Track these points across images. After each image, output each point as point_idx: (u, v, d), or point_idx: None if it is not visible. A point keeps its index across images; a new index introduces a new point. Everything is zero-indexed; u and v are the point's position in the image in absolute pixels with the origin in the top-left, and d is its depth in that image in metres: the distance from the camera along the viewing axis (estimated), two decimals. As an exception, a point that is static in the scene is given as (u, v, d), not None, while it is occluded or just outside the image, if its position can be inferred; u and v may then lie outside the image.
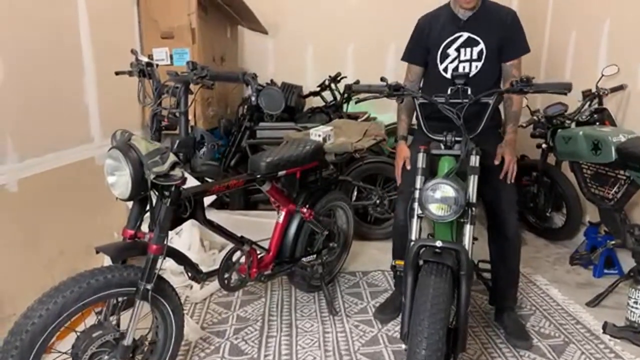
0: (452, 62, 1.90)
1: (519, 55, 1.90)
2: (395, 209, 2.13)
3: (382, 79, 1.66)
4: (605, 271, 2.54)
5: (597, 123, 2.60)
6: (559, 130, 2.66)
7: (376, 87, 1.67)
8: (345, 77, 3.97)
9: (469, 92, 1.58)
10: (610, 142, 2.18)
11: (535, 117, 2.89)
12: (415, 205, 1.56)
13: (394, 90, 1.63)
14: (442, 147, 1.61)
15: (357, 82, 3.89)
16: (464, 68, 1.88)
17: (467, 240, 1.47)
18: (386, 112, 3.77)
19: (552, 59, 3.57)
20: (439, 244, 1.40)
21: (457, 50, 1.89)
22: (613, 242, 2.32)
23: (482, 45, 1.86)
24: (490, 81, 1.90)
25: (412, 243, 1.49)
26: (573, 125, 2.72)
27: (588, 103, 2.71)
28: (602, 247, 2.45)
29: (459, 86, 1.57)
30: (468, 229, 1.48)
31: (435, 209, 1.44)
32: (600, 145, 2.24)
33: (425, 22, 1.99)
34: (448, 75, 1.89)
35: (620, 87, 2.67)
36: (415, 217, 1.57)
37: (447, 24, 1.92)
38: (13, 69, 1.84)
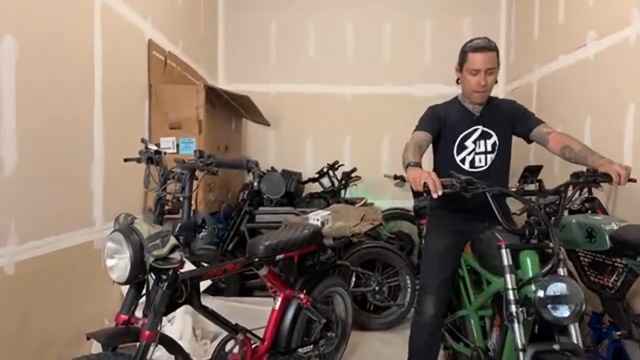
0: (469, 154, 2.00)
1: (539, 122, 2.01)
2: (419, 303, 1.97)
3: (452, 174, 1.55)
4: (616, 365, 2.41)
5: (589, 211, 2.66)
6: (553, 219, 2.71)
7: (446, 182, 1.52)
8: (343, 164, 4.14)
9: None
10: (604, 230, 2.22)
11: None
12: (514, 308, 1.43)
13: (467, 185, 1.53)
14: (518, 240, 1.53)
15: (354, 169, 4.05)
16: (480, 160, 2.00)
17: (578, 339, 1.40)
18: (382, 197, 3.88)
19: (540, 151, 3.76)
20: (556, 347, 1.33)
21: (474, 142, 2.00)
22: (619, 332, 2.24)
23: (495, 138, 1.99)
24: (503, 172, 2.03)
25: (525, 351, 1.37)
26: (566, 213, 2.78)
27: (578, 192, 2.80)
28: (609, 338, 2.37)
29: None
30: (575, 326, 1.41)
31: (556, 311, 1.34)
32: (594, 233, 2.27)
33: (440, 109, 2.07)
34: (466, 167, 1.99)
35: (608, 175, 2.77)
36: (516, 322, 1.42)
37: (462, 117, 2.03)
38: (27, 156, 1.93)
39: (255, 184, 1.54)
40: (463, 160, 2.01)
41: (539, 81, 3.95)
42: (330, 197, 3.89)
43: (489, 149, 2.00)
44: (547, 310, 1.34)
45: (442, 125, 2.02)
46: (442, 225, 2.01)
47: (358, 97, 4.76)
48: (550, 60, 3.69)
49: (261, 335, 1.96)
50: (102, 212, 2.50)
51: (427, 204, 2.57)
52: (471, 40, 1.97)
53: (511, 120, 2.03)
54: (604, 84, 2.99)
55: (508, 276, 1.46)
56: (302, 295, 2.03)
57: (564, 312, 1.34)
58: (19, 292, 1.89)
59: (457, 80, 2.05)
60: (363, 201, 3.82)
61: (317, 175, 4.14)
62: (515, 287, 1.43)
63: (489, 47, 1.93)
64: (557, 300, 1.34)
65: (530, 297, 1.41)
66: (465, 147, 2.00)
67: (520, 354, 1.35)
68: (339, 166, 4.09)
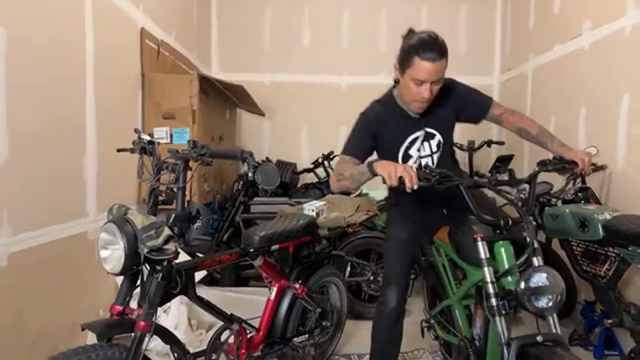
0: (415, 161, 1.83)
1: (488, 107, 1.86)
2: (382, 295, 1.89)
3: (426, 167, 1.58)
4: (606, 352, 2.45)
5: (583, 201, 2.68)
6: (547, 208, 2.73)
7: (421, 174, 1.46)
8: (338, 155, 4.12)
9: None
10: (597, 219, 2.24)
11: (522, 195, 2.98)
12: (494, 301, 1.40)
13: (442, 178, 1.47)
14: (492, 232, 1.49)
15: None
16: (426, 163, 1.83)
17: (557, 328, 1.39)
18: (377, 188, 3.87)
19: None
20: (539, 338, 1.31)
21: (418, 149, 1.83)
22: (610, 321, 2.28)
23: (439, 137, 1.83)
24: (450, 163, 1.90)
25: (508, 344, 1.35)
26: (559, 203, 2.80)
27: (572, 182, 2.82)
28: (600, 326, 2.40)
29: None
30: (554, 316, 1.41)
31: (538, 302, 1.34)
32: (587, 223, 2.29)
33: (372, 122, 1.80)
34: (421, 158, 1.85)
35: (601, 168, 2.79)
36: (497, 315, 1.40)
37: (402, 123, 1.80)
38: (18, 147, 1.91)
39: (250, 174, 1.53)
40: None
41: (534, 71, 3.95)
42: (325, 187, 3.89)
43: (434, 149, 1.84)
44: (530, 302, 1.34)
45: (376, 143, 1.79)
46: (401, 216, 1.93)
47: (354, 87, 4.73)
48: (546, 50, 3.68)
49: (256, 325, 1.97)
50: (96, 203, 2.49)
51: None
52: (419, 39, 1.62)
53: (454, 112, 1.84)
54: (599, 74, 2.99)
55: (486, 269, 1.44)
56: (297, 285, 2.04)
57: (545, 302, 1.34)
58: (12, 284, 1.88)
59: (396, 80, 1.79)
60: (358, 192, 3.82)
61: (312, 166, 4.13)
62: (494, 280, 1.42)
63: (439, 53, 1.58)
64: (537, 291, 1.34)
65: (509, 289, 1.41)
66: (410, 157, 1.82)
67: (505, 348, 1.34)
68: (334, 156, 4.08)
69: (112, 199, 1.74)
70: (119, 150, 2.03)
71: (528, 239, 1.44)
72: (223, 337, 1.81)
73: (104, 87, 2.54)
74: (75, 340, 2.00)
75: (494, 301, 1.40)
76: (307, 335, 2.14)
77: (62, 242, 2.20)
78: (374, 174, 1.52)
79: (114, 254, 1.38)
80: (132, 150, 1.88)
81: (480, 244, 1.47)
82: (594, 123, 3.04)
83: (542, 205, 2.84)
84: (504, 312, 1.39)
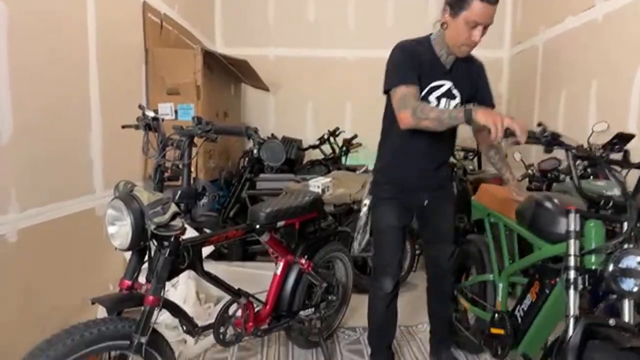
0: None
1: (492, 104, 1.83)
2: (377, 280, 1.93)
3: (540, 124, 1.41)
4: None
5: (592, 177, 2.65)
6: (555, 184, 2.71)
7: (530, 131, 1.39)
8: (344, 131, 4.09)
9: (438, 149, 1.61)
10: (605, 195, 2.21)
11: (529, 171, 2.95)
12: (573, 274, 1.37)
13: (552, 139, 1.39)
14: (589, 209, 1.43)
15: (355, 136, 4.01)
16: None
17: (631, 318, 1.34)
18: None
19: (544, 116, 3.71)
20: (612, 322, 1.28)
21: (438, 99, 1.74)
22: (615, 296, 2.28)
23: (458, 101, 1.76)
24: (452, 142, 1.89)
25: (578, 318, 1.32)
26: (567, 179, 2.77)
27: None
28: (606, 301, 2.41)
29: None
30: (631, 304, 1.35)
31: (624, 284, 1.29)
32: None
33: (412, 50, 1.73)
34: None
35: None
36: (573, 289, 1.36)
37: (434, 65, 1.73)
38: (23, 123, 1.91)
39: (255, 151, 1.52)
40: None
41: (545, 44, 3.85)
42: (331, 164, 3.88)
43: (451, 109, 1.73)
44: (616, 283, 1.30)
45: (417, 68, 1.70)
46: (388, 199, 1.89)
47: (360, 62, 4.65)
48: (557, 22, 3.58)
49: (263, 300, 2.00)
50: (102, 179, 2.50)
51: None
52: None
53: (473, 86, 1.78)
54: (612, 47, 2.90)
55: (572, 241, 1.40)
56: (303, 261, 2.06)
57: (632, 285, 1.30)
58: (23, 259, 1.91)
59: (443, 24, 1.69)
60: (364, 168, 3.81)
61: (317, 142, 4.11)
62: (578, 254, 1.38)
63: None
64: (626, 273, 1.30)
65: (590, 267, 1.39)
66: (429, 102, 1.72)
67: (572, 320, 1.32)
68: (340, 133, 4.05)
69: (118, 176, 1.74)
70: (123, 127, 2.03)
71: (626, 225, 1.38)
72: (231, 311, 1.84)
73: (107, 62, 2.51)
74: (86, 313, 2.05)
75: (572, 274, 1.37)
76: (313, 309, 2.17)
77: (71, 218, 2.23)
78: (470, 122, 1.42)
79: (121, 230, 1.39)
80: (136, 127, 1.88)
81: (572, 215, 1.42)
82: (605, 97, 2.98)
83: (550, 181, 2.82)
84: (581, 286, 1.36)
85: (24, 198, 1.92)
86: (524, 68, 4.22)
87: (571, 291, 1.37)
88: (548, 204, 1.65)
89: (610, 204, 1.44)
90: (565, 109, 3.43)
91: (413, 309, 2.76)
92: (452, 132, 1.83)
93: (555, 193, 1.51)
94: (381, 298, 1.93)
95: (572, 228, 1.42)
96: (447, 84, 1.73)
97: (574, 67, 3.33)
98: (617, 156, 1.89)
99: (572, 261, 1.39)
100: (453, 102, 1.76)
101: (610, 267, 1.32)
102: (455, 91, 1.75)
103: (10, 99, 1.84)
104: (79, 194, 2.31)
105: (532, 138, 1.37)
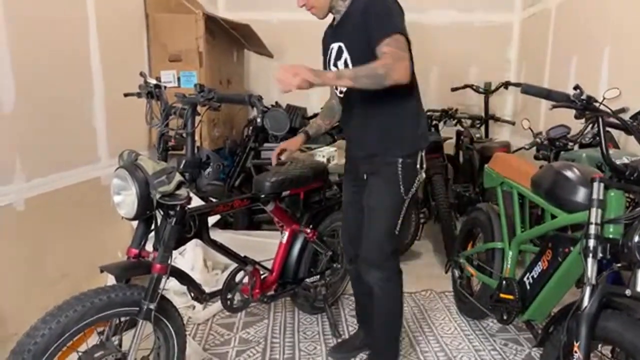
0: None
1: (382, 37, 1.43)
2: (344, 254, 1.92)
3: (577, 87, 1.35)
4: None
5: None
6: (562, 153, 2.67)
7: (558, 95, 1.36)
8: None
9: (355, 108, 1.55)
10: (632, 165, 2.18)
11: (538, 140, 2.90)
12: (592, 242, 1.35)
13: (587, 105, 1.35)
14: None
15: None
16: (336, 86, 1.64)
17: None
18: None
19: (554, 83, 3.62)
20: (628, 292, 1.26)
21: (335, 65, 1.62)
22: (619, 264, 2.29)
23: (345, 55, 1.58)
24: (359, 99, 1.61)
25: (595, 285, 1.31)
26: (576, 147, 2.73)
27: (590, 125, 2.73)
28: (609, 270, 2.42)
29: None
30: None
31: None
32: (603, 168, 2.24)
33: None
34: (339, 93, 1.71)
35: (622, 110, 2.68)
36: (591, 257, 1.35)
37: (327, 35, 1.70)
38: (25, 91, 1.88)
39: (259, 120, 1.49)
40: (336, 87, 1.69)
41: (557, 7, 3.70)
42: (336, 132, 3.83)
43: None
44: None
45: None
46: (345, 172, 1.88)
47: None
48: (573, -18, 3.43)
49: (270, 267, 2.03)
50: (107, 148, 2.49)
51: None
52: None
53: (361, 31, 1.49)
54: (628, 10, 2.79)
55: (594, 210, 1.38)
56: (308, 230, 2.07)
57: None
58: (31, 227, 1.94)
59: None
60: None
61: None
62: (599, 222, 1.37)
63: None
64: None
65: (608, 237, 1.38)
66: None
67: (588, 288, 1.31)
68: (345, 100, 3.99)
69: (122, 145, 1.73)
70: (126, 95, 1.99)
71: None
72: (238, 278, 1.87)
73: (108, 28, 2.45)
74: (95, 281, 2.09)
75: (592, 242, 1.36)
76: (318, 276, 2.21)
77: (77, 187, 2.24)
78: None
79: (126, 200, 1.39)
80: (139, 95, 1.84)
81: (596, 184, 1.40)
82: (618, 63, 2.89)
83: (558, 149, 2.78)
84: (600, 255, 1.36)
85: (29, 167, 1.93)
86: (535, 33, 4.07)
87: (589, 259, 1.36)
88: (569, 173, 1.64)
89: (637, 173, 1.41)
90: (575, 76, 3.34)
91: (417, 276, 2.80)
92: (372, 96, 1.51)
93: (568, 162, 1.49)
94: (349, 272, 2.03)
95: (595, 196, 1.40)
96: (335, 45, 1.62)
97: (587, 32, 3.21)
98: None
99: (592, 229, 1.38)
100: (340, 62, 1.60)
101: (636, 238, 1.29)
102: (342, 46, 1.59)
103: (10, 64, 1.81)
104: (84, 163, 2.32)
105: (567, 101, 1.34)
